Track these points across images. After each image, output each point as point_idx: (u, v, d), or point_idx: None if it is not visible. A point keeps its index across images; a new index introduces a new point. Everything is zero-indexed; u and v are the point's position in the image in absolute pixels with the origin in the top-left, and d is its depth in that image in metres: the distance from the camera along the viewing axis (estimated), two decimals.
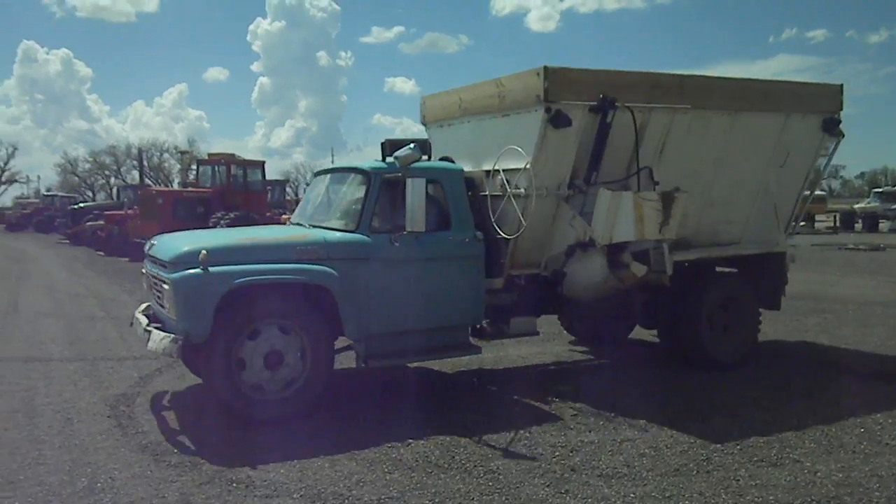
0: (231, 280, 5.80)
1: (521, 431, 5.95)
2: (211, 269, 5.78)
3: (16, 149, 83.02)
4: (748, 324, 8.21)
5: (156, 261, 6.43)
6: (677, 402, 6.82)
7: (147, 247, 6.85)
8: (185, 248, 6.01)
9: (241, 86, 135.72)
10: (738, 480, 5.01)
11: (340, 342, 6.63)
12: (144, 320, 6.52)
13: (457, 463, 5.32)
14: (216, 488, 4.83)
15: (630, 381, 7.72)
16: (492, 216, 7.29)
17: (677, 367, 8.01)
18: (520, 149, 7.04)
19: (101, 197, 70.50)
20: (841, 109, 8.57)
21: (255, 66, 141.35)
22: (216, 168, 23.65)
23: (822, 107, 8.48)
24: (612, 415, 6.38)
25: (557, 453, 5.49)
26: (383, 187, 6.64)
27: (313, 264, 6.16)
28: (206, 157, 27.03)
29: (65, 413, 6.44)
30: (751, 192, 8.45)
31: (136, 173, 69.87)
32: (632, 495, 4.76)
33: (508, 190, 7.14)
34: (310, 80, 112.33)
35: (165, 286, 5.94)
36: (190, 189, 24.89)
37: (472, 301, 6.91)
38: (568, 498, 4.74)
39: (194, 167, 32.10)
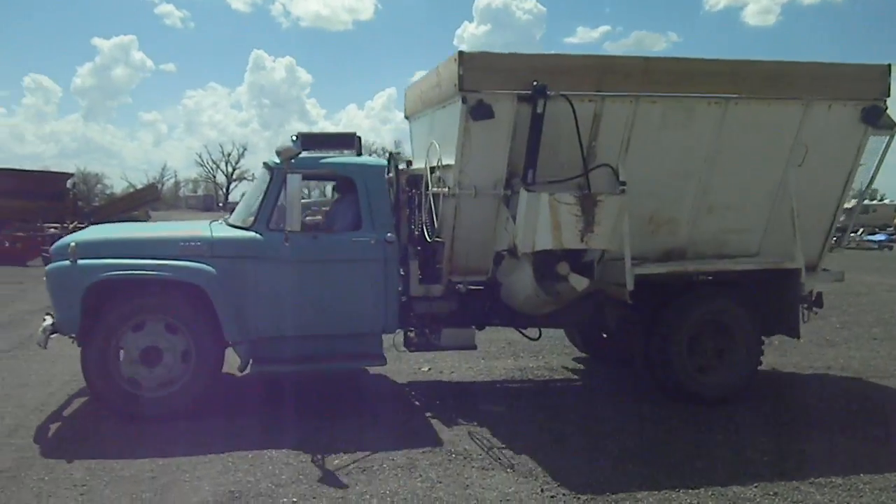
0: (96, 273, 5.78)
1: (732, 435, 6.01)
2: (80, 261, 5.80)
3: (245, 149, 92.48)
4: (741, 353, 6.88)
5: None
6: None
7: None
8: (62, 241, 6.10)
9: None
10: None
11: None
12: None
13: (660, 458, 5.47)
14: (438, 457, 5.40)
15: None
16: (422, 217, 6.75)
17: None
18: (437, 144, 6.45)
19: (315, 194, 76.32)
20: (888, 95, 6.94)
21: None
22: None
23: (858, 93, 6.90)
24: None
25: (766, 458, 5.49)
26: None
27: (196, 261, 6.00)
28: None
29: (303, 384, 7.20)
30: (766, 197, 7.09)
31: None
32: None
33: (430, 189, 6.54)
34: None
35: (45, 277, 6.06)
36: None
37: (377, 308, 6.38)
38: (777, 500, 4.79)
39: (402, 166, 33.92)
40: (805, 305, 7.59)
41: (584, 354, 8.77)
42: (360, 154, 6.81)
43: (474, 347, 6.95)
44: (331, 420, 6.17)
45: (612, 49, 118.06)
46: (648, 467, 5.26)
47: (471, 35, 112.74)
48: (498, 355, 8.83)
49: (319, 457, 5.30)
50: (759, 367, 7.09)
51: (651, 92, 6.49)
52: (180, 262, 5.94)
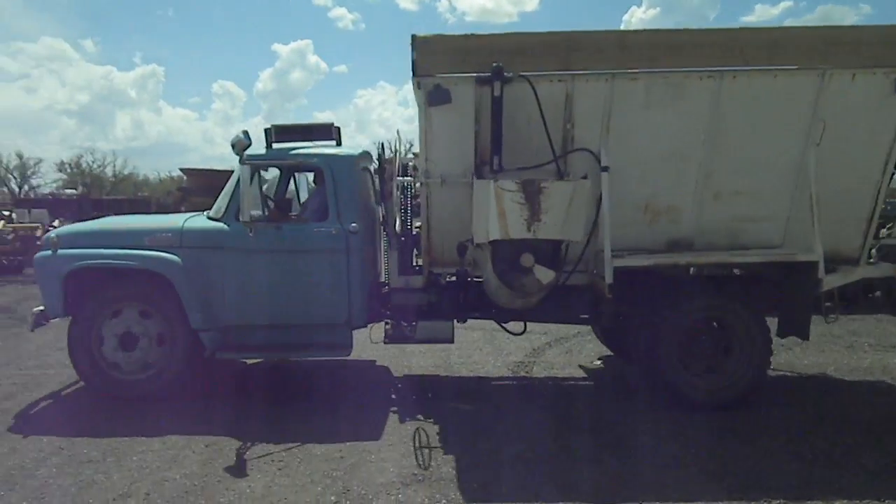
0: (72, 262, 6.18)
1: None
2: (60, 251, 6.23)
3: (412, 145, 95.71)
4: (743, 354, 6.17)
5: None
6: None
7: None
8: (50, 233, 6.55)
9: None
10: None
11: None
12: None
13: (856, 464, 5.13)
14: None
15: None
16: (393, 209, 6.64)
17: None
18: (398, 131, 6.33)
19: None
20: None
21: None
22: None
23: (888, 59, 5.96)
24: None
25: None
26: (257, 176, 6.41)
27: (164, 251, 6.25)
28: None
29: (476, 371, 7.73)
30: (784, 181, 6.32)
31: None
32: None
33: (395, 178, 6.41)
34: None
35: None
36: None
37: (340, 298, 6.33)
38: None
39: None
40: (844, 302, 6.76)
41: None
42: (339, 144, 6.78)
43: (451, 341, 6.71)
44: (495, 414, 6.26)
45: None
46: (836, 468, 4.93)
47: (639, 20, 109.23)
48: None
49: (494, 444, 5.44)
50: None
51: (629, 68, 5.97)
52: (147, 252, 6.22)
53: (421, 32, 5.97)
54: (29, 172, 59.80)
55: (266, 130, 6.55)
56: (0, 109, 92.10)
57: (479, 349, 8.66)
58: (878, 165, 6.30)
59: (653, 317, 6.22)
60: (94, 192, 55.38)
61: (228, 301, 6.30)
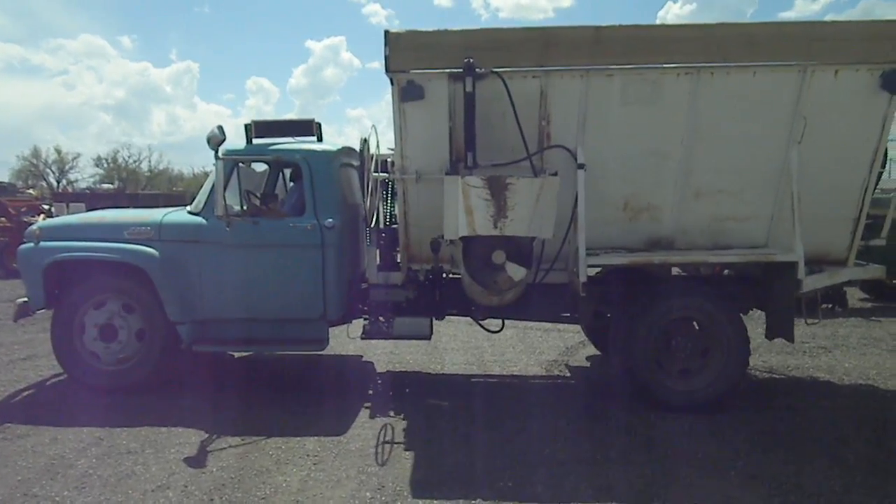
0: (52, 254, 6.29)
1: None
2: (41, 244, 6.34)
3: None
4: (720, 356, 6.06)
5: None
6: None
7: None
8: (32, 226, 6.67)
9: None
10: None
11: None
12: None
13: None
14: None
15: None
16: (374, 203, 6.62)
17: None
18: (373, 127, 6.34)
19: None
20: None
21: None
22: None
23: (873, 55, 5.80)
24: None
25: None
26: (234, 171, 6.45)
27: (142, 244, 6.33)
28: None
29: (508, 369, 7.72)
30: (767, 180, 6.19)
31: None
32: None
33: (368, 173, 6.41)
34: None
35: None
36: None
37: (314, 294, 6.35)
38: None
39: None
40: (829, 305, 6.63)
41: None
42: (320, 140, 6.80)
43: (427, 338, 6.70)
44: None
45: None
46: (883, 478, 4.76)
47: (674, 16, 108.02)
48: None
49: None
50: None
51: (605, 64, 5.88)
52: (126, 245, 6.30)
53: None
54: (67, 167, 61.15)
55: (246, 126, 6.57)
56: (40, 105, 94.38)
57: (512, 347, 8.68)
58: (865, 164, 6.14)
59: (629, 316, 6.14)
60: (130, 187, 56.29)
61: (205, 294, 6.36)
